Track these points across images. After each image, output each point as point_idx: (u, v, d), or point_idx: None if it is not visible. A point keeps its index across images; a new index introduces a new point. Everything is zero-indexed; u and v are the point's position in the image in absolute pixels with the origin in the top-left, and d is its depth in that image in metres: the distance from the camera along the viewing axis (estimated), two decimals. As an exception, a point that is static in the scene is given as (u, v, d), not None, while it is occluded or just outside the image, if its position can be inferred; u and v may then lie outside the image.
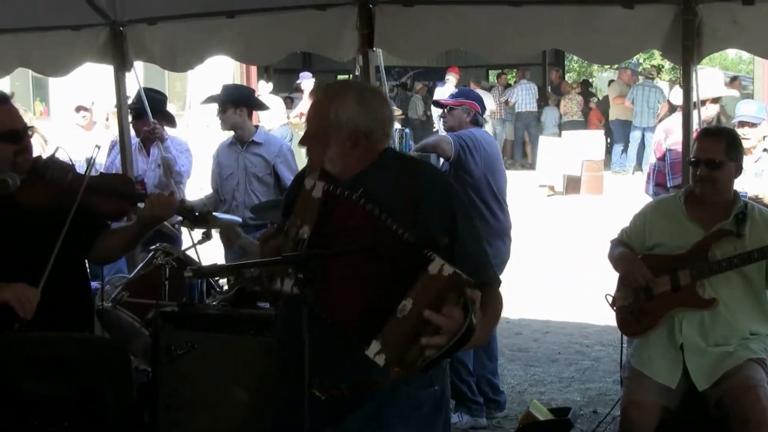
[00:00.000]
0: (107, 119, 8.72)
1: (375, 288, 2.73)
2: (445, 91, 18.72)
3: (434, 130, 6.56)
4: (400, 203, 2.86)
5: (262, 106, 7.15)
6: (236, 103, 6.65)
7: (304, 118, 17.30)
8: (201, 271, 2.99)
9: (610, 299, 4.71)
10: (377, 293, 2.71)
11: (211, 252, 6.02)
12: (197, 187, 8.36)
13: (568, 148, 17.14)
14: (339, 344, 2.81)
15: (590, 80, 29.44)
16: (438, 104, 6.63)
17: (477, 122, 6.24)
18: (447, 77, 19.69)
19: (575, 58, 27.92)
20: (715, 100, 7.15)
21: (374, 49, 5.80)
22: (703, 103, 6.26)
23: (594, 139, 17.91)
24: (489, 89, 21.81)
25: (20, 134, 3.71)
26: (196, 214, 4.09)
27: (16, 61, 6.88)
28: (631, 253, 4.58)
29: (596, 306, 6.86)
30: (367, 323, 2.67)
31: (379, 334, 2.63)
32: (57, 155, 3.89)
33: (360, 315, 2.73)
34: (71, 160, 3.96)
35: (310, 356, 2.63)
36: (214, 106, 6.68)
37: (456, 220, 2.96)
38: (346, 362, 2.85)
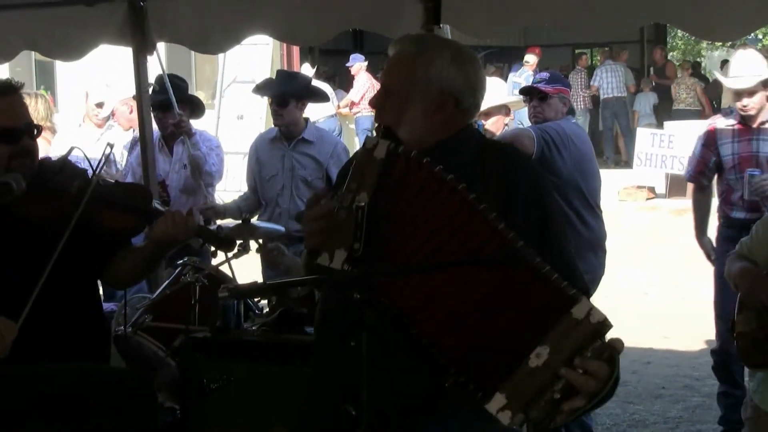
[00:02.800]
0: (112, 115, 8.66)
1: (492, 316, 2.64)
2: (521, 77, 18.65)
3: (506, 123, 6.48)
4: (479, 189, 2.74)
5: (325, 97, 7.16)
6: (299, 95, 6.64)
7: (356, 108, 17.44)
8: (238, 291, 2.97)
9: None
10: (496, 325, 2.63)
11: (247, 267, 6.05)
12: (220, 189, 8.38)
13: (671, 142, 16.95)
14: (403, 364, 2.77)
15: (699, 60, 29.14)
16: (530, 92, 6.47)
17: (572, 113, 6.21)
18: (526, 58, 19.57)
19: (680, 34, 27.64)
20: None
21: (441, 25, 5.77)
22: None
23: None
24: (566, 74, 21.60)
25: (17, 134, 3.70)
26: (221, 236, 4.09)
27: (20, 43, 6.94)
28: (754, 269, 4.51)
29: (708, 330, 6.78)
30: (485, 365, 2.61)
31: (504, 384, 2.56)
32: (70, 157, 3.90)
33: (472, 350, 2.64)
34: (88, 163, 3.96)
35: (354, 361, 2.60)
36: (246, 94, 6.68)
37: (548, 221, 2.93)
38: (403, 374, 2.81)
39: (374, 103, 3.04)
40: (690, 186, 7.41)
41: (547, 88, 6.28)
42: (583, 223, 6.10)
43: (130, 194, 4.03)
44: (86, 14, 6.64)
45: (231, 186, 9.21)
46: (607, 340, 2.55)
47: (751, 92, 6.22)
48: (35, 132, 3.78)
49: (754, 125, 6.27)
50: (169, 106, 6.96)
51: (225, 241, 4.10)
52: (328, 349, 3.02)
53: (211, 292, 4.75)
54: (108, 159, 3.95)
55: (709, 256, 6.60)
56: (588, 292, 3.07)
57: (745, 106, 6.24)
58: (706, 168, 6.53)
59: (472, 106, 3.02)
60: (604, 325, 2.53)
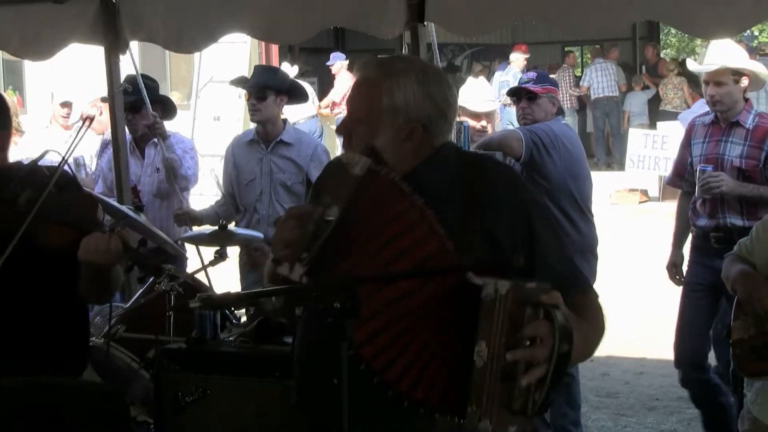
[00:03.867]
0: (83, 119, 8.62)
1: (432, 334, 2.73)
2: (509, 74, 18.69)
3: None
4: (459, 212, 2.84)
5: (305, 97, 7.12)
6: (279, 89, 6.58)
7: (337, 109, 17.38)
8: (213, 301, 2.97)
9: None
10: (437, 341, 2.71)
11: (226, 274, 6.05)
12: (196, 193, 8.35)
13: (664, 143, 16.98)
14: (374, 389, 2.77)
15: (693, 58, 29.18)
16: (518, 93, 6.48)
17: (561, 113, 6.21)
18: (513, 56, 19.60)
19: (673, 31, 27.73)
20: None
21: (425, 23, 5.78)
22: None
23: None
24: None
25: None
26: (150, 263, 3.74)
27: (-13, 41, 6.94)
28: (753, 272, 4.52)
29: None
30: (446, 388, 2.67)
31: (469, 397, 2.61)
32: (42, 161, 3.85)
33: (428, 378, 2.72)
34: (69, 167, 3.91)
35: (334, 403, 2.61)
36: (223, 94, 6.67)
37: (534, 229, 2.93)
38: (385, 411, 2.81)
39: (340, 130, 3.03)
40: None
41: (535, 88, 6.28)
42: (574, 227, 6.12)
43: (73, 207, 3.81)
44: (56, 12, 6.61)
45: (207, 190, 9.15)
46: (545, 300, 2.60)
47: (718, 82, 5.98)
48: None
49: (723, 124, 6.02)
50: (140, 108, 6.93)
51: (153, 268, 3.78)
52: (311, 383, 3.01)
53: (187, 302, 4.72)
54: (78, 164, 3.89)
55: (671, 273, 6.41)
56: (588, 279, 3.11)
57: (711, 96, 6.01)
58: (684, 170, 6.26)
59: (444, 128, 3.01)
60: (516, 288, 2.58)
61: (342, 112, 18.18)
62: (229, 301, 3.47)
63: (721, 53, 6.10)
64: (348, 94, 3.14)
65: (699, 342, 6.17)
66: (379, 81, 2.95)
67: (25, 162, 3.85)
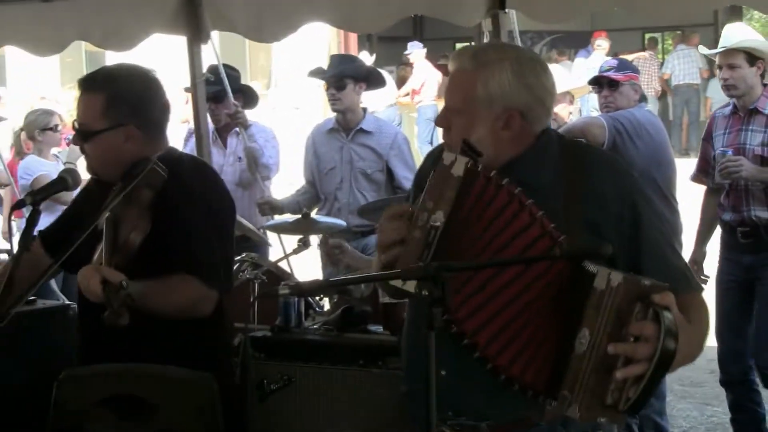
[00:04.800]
0: None
1: (537, 316, 2.71)
2: (592, 62, 18.51)
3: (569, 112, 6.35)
4: (561, 202, 2.82)
5: (383, 82, 7.12)
6: (357, 77, 6.59)
7: (416, 97, 17.36)
8: (299, 288, 2.96)
9: None
10: (542, 323, 2.70)
11: (307, 263, 6.07)
12: (286, 183, 8.40)
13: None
14: (481, 372, 2.77)
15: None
16: (599, 81, 6.40)
17: (643, 100, 6.15)
18: (597, 43, 19.40)
19: (756, 15, 27.26)
20: None
21: (506, 10, 5.74)
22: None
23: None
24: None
25: (75, 130, 3.69)
26: (114, 308, 3.19)
27: (72, 33, 7.00)
28: None
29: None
30: (541, 368, 2.67)
31: (563, 382, 2.60)
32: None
33: (526, 356, 2.71)
34: None
35: (444, 385, 2.62)
36: (302, 83, 6.68)
37: (640, 221, 2.90)
38: (489, 394, 2.82)
39: (439, 123, 3.02)
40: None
41: (617, 76, 6.21)
42: (659, 215, 6.05)
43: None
44: (138, 3, 6.69)
45: (287, 178, 9.20)
46: (656, 300, 2.55)
47: (731, 65, 5.72)
48: (83, 135, 3.66)
49: (743, 113, 5.78)
50: (222, 98, 6.97)
51: (113, 314, 3.17)
52: (418, 374, 2.95)
53: (271, 289, 4.75)
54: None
55: (696, 272, 6.06)
56: (695, 278, 3.08)
57: (725, 80, 5.78)
58: (708, 165, 6.00)
59: (543, 115, 2.97)
60: (630, 282, 2.54)
61: (422, 100, 18.19)
62: (316, 287, 3.50)
63: (735, 36, 5.89)
64: (445, 85, 3.12)
65: (738, 343, 6.00)
66: (473, 71, 2.93)
67: None
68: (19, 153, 8.72)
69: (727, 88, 5.82)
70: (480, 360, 2.72)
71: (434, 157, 3.06)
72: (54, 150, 8.28)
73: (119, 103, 3.62)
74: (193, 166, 3.83)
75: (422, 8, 6.22)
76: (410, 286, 2.64)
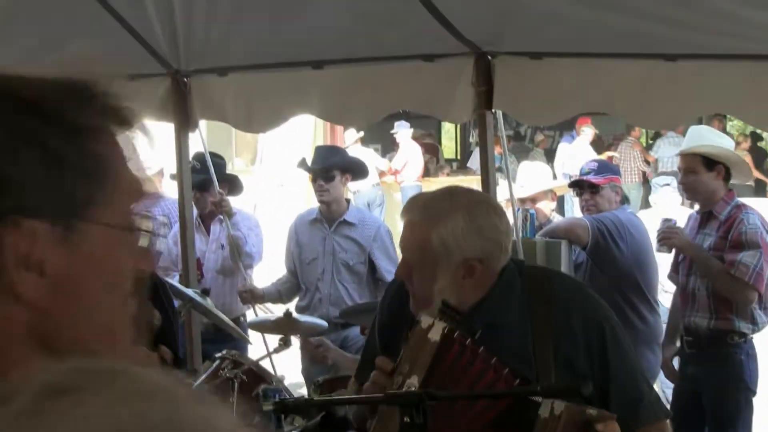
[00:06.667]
0: None
1: None
2: (575, 148, 18.61)
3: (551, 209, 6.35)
4: (531, 342, 2.87)
5: (366, 172, 7.19)
6: (343, 168, 6.68)
7: (399, 177, 17.29)
8: (285, 406, 2.99)
9: None
10: None
11: (289, 360, 6.04)
12: (269, 269, 8.37)
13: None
14: None
15: (760, 132, 28.81)
16: (580, 184, 6.50)
17: (625, 201, 6.21)
18: (582, 129, 19.50)
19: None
20: None
21: (493, 110, 5.80)
22: None
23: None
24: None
25: None
26: None
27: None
28: None
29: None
30: None
31: None
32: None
33: None
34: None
35: None
36: (287, 160, 6.71)
37: (607, 350, 2.93)
38: None
39: (401, 275, 3.04)
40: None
41: (597, 180, 6.27)
42: (640, 317, 6.09)
43: None
44: (128, 89, 6.66)
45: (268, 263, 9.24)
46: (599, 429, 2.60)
47: (688, 169, 5.76)
48: None
49: (700, 216, 5.83)
50: (208, 186, 7.03)
51: None
52: None
53: (250, 390, 4.75)
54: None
55: (665, 371, 6.12)
56: (663, 405, 3.10)
57: (683, 184, 5.90)
58: (678, 264, 6.01)
59: (501, 255, 3.00)
60: (571, 410, 2.60)
61: (404, 180, 18.23)
62: (302, 406, 3.50)
63: (696, 138, 5.94)
64: (401, 235, 3.12)
65: None
66: (426, 224, 2.96)
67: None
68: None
69: (686, 191, 5.97)
70: None
71: (392, 297, 3.11)
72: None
73: None
74: None
75: (411, 105, 6.26)
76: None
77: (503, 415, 2.77)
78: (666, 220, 5.81)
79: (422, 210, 3.02)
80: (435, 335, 2.80)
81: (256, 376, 4.94)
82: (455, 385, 2.80)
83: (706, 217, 5.80)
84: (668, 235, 5.73)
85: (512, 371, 2.78)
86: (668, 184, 8.57)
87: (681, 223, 5.95)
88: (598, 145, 20.47)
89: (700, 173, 5.73)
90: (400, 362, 2.82)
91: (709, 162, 5.72)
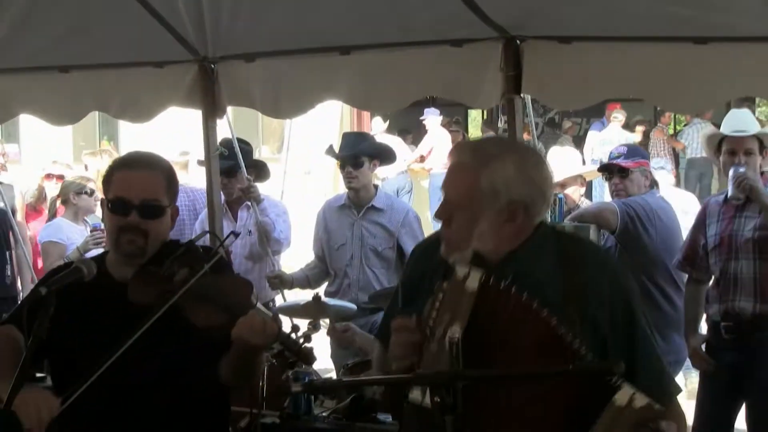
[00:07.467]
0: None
1: (548, 425, 2.75)
2: (606, 134, 18.47)
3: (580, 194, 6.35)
4: (561, 296, 2.86)
5: (394, 158, 7.20)
6: (372, 155, 6.70)
7: (428, 163, 17.19)
8: (312, 387, 3.01)
9: None
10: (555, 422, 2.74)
11: (317, 344, 6.04)
12: (296, 255, 8.39)
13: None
14: None
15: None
16: (610, 168, 6.45)
17: (654, 185, 6.19)
18: (614, 115, 19.35)
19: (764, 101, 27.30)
20: None
21: (522, 95, 5.79)
22: None
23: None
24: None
25: (127, 207, 3.64)
26: (301, 349, 3.67)
27: (89, 104, 7.06)
28: None
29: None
30: None
31: None
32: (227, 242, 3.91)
33: None
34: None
35: None
36: (315, 148, 6.71)
37: (635, 323, 2.94)
38: None
39: (439, 215, 3.05)
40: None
41: (626, 163, 6.24)
42: (668, 301, 6.07)
43: (228, 290, 3.70)
44: (156, 76, 6.73)
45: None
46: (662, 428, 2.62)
47: (748, 150, 5.61)
48: (152, 211, 3.67)
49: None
50: (235, 172, 7.06)
51: (304, 354, 3.68)
52: None
53: (280, 372, 4.75)
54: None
55: (695, 361, 5.85)
56: (675, 383, 3.10)
57: (742, 164, 5.58)
58: (696, 254, 5.77)
59: (543, 208, 3.03)
60: (649, 409, 2.60)
61: (433, 167, 18.16)
62: (329, 386, 3.51)
63: (745, 122, 5.85)
64: (444, 179, 3.13)
65: None
66: (476, 166, 2.98)
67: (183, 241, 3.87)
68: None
69: (742, 173, 5.59)
70: None
71: (419, 256, 3.11)
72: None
73: (174, 184, 3.77)
74: None
75: (438, 91, 6.25)
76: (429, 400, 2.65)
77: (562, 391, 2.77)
78: (737, 166, 5.56)
79: (473, 152, 3.03)
80: (472, 284, 2.81)
81: (286, 359, 4.93)
82: (498, 333, 2.80)
83: (744, 201, 5.58)
84: (743, 179, 5.44)
85: (550, 315, 2.78)
86: (663, 168, 8.59)
87: (688, 209, 5.89)
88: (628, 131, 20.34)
89: (757, 155, 5.65)
90: (440, 312, 2.81)
91: (761, 145, 5.67)
